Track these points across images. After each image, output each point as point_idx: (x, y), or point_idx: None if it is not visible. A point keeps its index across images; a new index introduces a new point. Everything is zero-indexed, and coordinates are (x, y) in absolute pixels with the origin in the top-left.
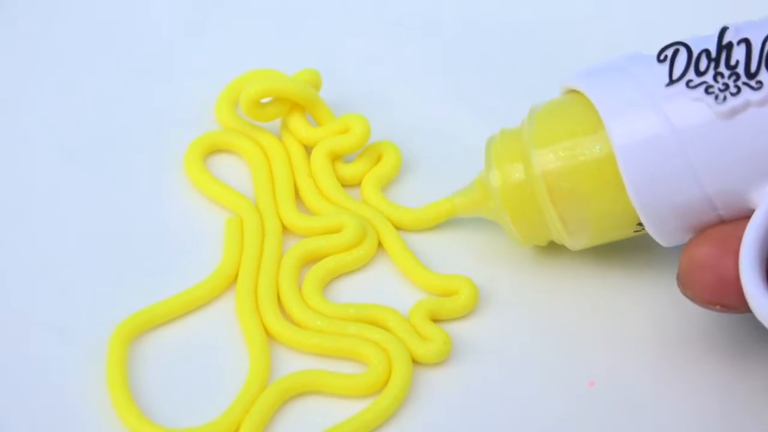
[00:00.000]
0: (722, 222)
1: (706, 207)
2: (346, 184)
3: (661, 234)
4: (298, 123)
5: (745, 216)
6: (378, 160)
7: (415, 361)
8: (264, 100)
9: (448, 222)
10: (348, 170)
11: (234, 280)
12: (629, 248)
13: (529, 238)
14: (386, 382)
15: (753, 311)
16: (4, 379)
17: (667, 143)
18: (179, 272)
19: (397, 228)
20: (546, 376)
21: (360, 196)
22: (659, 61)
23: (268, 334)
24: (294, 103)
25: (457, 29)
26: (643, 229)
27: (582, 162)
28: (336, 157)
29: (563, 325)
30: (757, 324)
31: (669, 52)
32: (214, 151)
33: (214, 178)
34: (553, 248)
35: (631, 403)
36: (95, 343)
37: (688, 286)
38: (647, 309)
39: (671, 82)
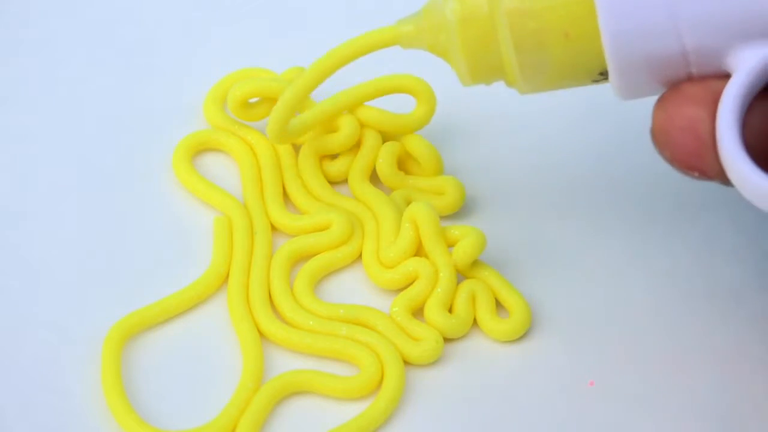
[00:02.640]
0: (692, 79)
1: (679, 62)
2: (336, 181)
3: (623, 85)
4: None
5: (715, 76)
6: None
7: (407, 362)
8: (252, 100)
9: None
10: (334, 166)
11: (225, 279)
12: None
13: (477, 76)
14: (378, 385)
15: (729, 177)
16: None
17: None
18: (169, 272)
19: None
20: (545, 375)
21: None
22: None
23: (261, 333)
24: None
25: None
26: (603, 79)
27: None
28: (324, 156)
29: (561, 318)
30: (756, 322)
31: None
32: (202, 149)
33: (201, 177)
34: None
35: (631, 403)
36: (90, 345)
37: (666, 146)
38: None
39: None
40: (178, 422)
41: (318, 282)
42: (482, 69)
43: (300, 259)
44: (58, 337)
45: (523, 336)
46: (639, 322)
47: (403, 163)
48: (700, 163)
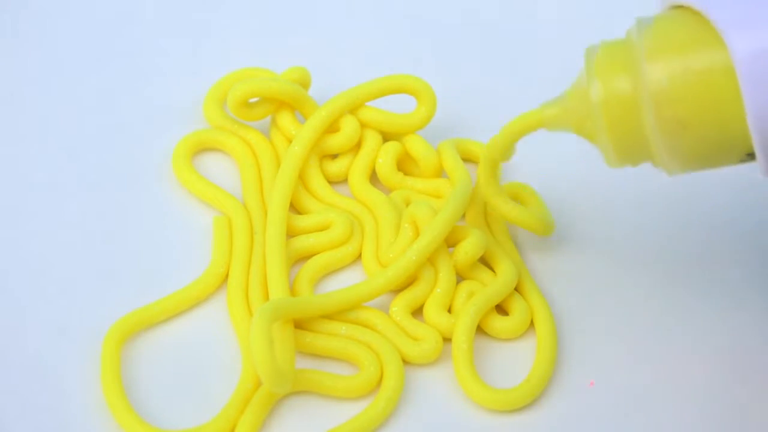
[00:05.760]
0: None
1: None
2: (336, 181)
3: None
4: (286, 121)
5: None
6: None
7: (406, 362)
8: (252, 100)
9: None
10: (334, 166)
11: (224, 279)
12: None
13: (624, 158)
14: (378, 384)
15: None
16: None
17: None
18: (169, 272)
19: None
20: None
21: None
22: None
23: None
24: (282, 101)
25: (449, 24)
26: (750, 159)
27: (697, 80)
28: (324, 156)
29: (561, 319)
30: (756, 323)
31: None
32: (202, 149)
33: (201, 177)
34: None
35: (631, 403)
36: (90, 345)
37: None
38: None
39: None
40: (178, 422)
41: (318, 282)
42: (628, 150)
43: (300, 258)
44: (58, 336)
45: (523, 335)
46: (639, 322)
47: (403, 164)
48: None
